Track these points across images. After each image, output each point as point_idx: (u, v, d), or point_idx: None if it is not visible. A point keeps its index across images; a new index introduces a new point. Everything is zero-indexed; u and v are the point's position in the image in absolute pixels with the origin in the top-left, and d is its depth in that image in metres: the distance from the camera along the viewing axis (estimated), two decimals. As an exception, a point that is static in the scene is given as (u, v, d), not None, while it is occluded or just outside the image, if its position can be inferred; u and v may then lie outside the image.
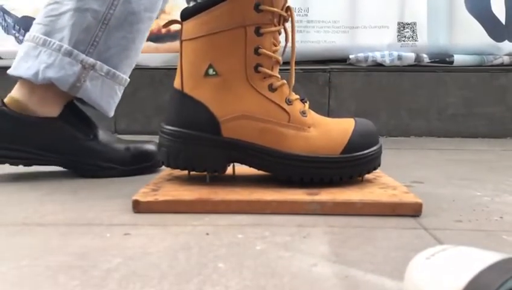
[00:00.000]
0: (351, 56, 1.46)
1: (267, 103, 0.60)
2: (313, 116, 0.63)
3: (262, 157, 0.60)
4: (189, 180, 0.63)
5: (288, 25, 0.62)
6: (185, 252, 0.43)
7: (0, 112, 0.72)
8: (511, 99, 1.44)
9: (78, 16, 0.72)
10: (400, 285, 0.36)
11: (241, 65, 0.60)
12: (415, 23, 1.47)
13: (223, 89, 0.60)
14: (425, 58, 1.45)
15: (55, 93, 0.73)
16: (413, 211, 0.55)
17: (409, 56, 1.44)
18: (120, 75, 0.77)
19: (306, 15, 1.49)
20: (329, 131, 0.61)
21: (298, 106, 0.62)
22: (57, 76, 0.72)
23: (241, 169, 0.65)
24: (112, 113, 0.79)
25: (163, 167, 0.64)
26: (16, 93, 0.74)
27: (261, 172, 0.62)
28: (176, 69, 0.62)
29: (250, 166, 0.62)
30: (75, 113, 0.77)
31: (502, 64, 1.46)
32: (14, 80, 0.75)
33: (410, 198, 0.56)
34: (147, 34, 0.80)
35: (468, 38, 1.46)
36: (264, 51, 0.60)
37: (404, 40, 1.47)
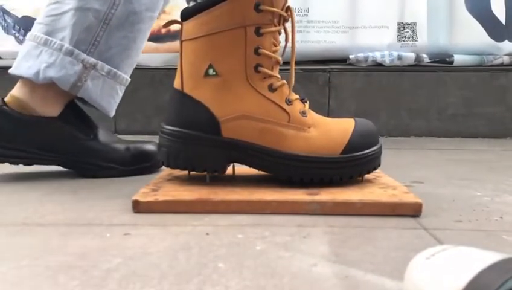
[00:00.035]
0: (351, 56, 1.46)
1: (267, 103, 0.60)
2: (313, 116, 0.63)
3: (262, 157, 0.60)
4: (189, 180, 0.63)
5: (288, 25, 0.62)
6: (185, 252, 0.43)
7: (1, 111, 0.72)
8: (511, 99, 1.44)
9: (79, 16, 0.72)
10: (400, 285, 0.36)
11: (241, 65, 0.60)
12: (415, 23, 1.47)
13: (223, 89, 0.60)
14: (425, 58, 1.45)
15: (56, 93, 0.73)
16: (413, 211, 0.55)
17: (409, 56, 1.44)
18: (121, 75, 0.77)
19: (306, 15, 1.49)
20: (329, 131, 0.61)
21: (298, 106, 0.62)
22: (58, 75, 0.72)
23: (241, 169, 0.65)
24: (112, 113, 0.79)
25: (163, 167, 0.64)
26: (17, 92, 0.74)
27: (261, 172, 0.62)
28: (175, 69, 0.62)
29: (250, 166, 0.62)
30: (76, 112, 0.77)
31: (502, 64, 1.46)
32: (15, 79, 0.75)
33: (410, 198, 0.56)
34: (148, 34, 0.80)
35: (468, 38, 1.46)
36: (264, 51, 0.60)
37: (404, 40, 1.47)
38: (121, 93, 0.79)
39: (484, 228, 0.51)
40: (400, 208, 0.55)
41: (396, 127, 1.45)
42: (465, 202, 0.62)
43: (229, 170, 0.65)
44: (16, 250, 0.44)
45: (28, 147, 0.72)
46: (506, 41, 1.46)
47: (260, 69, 0.60)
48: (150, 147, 0.80)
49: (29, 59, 0.73)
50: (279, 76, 0.62)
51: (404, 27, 1.47)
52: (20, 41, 1.49)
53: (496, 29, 1.45)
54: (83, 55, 0.73)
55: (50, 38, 0.73)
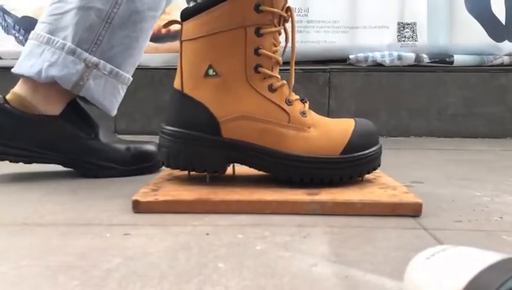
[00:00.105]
0: (351, 56, 1.46)
1: (267, 103, 0.60)
2: (312, 116, 0.63)
3: (262, 157, 0.60)
4: (189, 180, 0.63)
5: (288, 25, 0.62)
6: (185, 252, 0.43)
7: (3, 109, 0.72)
8: (511, 99, 1.44)
9: (81, 15, 0.72)
10: (400, 285, 0.36)
11: (241, 66, 0.60)
12: (415, 23, 1.47)
13: (223, 89, 0.60)
14: (425, 58, 1.45)
15: (58, 92, 0.73)
16: (413, 211, 0.55)
17: (409, 56, 1.44)
18: (123, 74, 0.77)
19: (306, 15, 1.49)
20: (329, 131, 0.61)
21: (298, 106, 0.62)
22: (60, 74, 0.72)
23: (241, 169, 0.65)
24: (114, 112, 0.79)
25: (163, 167, 0.64)
26: (19, 89, 0.74)
27: (261, 172, 0.62)
28: (175, 69, 0.62)
29: (250, 166, 0.62)
30: (77, 111, 0.77)
31: (502, 64, 1.46)
32: (15, 79, 0.75)
33: (410, 198, 0.56)
34: (150, 33, 0.80)
35: (468, 39, 1.46)
36: (264, 51, 0.60)
37: (404, 40, 1.47)
38: (122, 93, 0.79)
39: (484, 228, 0.51)
40: (400, 208, 0.55)
41: (396, 127, 1.45)
42: (465, 202, 0.62)
43: (229, 170, 0.65)
44: (16, 250, 0.44)
45: (29, 146, 0.72)
46: (506, 41, 1.46)
47: (260, 69, 0.60)
48: (150, 147, 0.80)
49: (31, 58, 0.73)
50: (279, 76, 0.62)
51: (404, 27, 1.47)
52: (20, 41, 1.49)
53: (496, 29, 1.45)
54: (85, 54, 0.73)
55: (52, 37, 0.73)
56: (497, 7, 1.45)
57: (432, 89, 1.44)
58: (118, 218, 0.53)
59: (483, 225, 0.52)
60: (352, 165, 0.60)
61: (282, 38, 0.63)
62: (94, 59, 0.73)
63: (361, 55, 1.45)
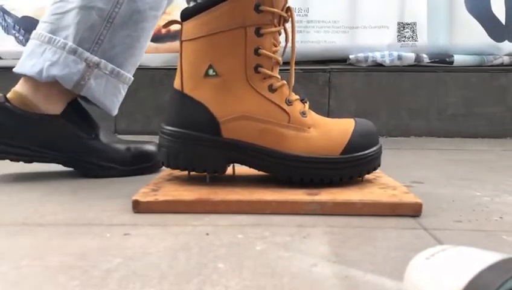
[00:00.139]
0: (351, 56, 1.46)
1: (267, 103, 0.60)
2: (312, 116, 0.63)
3: (262, 158, 0.60)
4: (189, 181, 0.63)
5: (288, 25, 0.62)
6: (185, 252, 0.43)
7: (4, 108, 0.72)
8: (511, 99, 1.44)
9: (83, 14, 0.72)
10: (399, 285, 0.36)
11: (241, 66, 0.60)
12: (415, 23, 1.47)
13: (223, 89, 0.60)
14: (425, 58, 1.45)
15: (59, 91, 0.73)
16: (413, 211, 0.55)
17: (409, 56, 1.45)
18: (124, 74, 0.77)
19: (306, 15, 1.49)
20: (329, 131, 0.61)
21: (298, 106, 0.62)
22: (61, 74, 0.72)
23: (241, 169, 0.65)
24: (115, 112, 0.79)
25: (163, 167, 0.64)
26: (20, 88, 0.74)
27: (261, 172, 0.62)
28: (175, 69, 0.62)
29: (250, 167, 0.62)
30: (78, 111, 0.77)
31: (502, 64, 1.46)
32: (16, 79, 0.75)
33: (410, 198, 0.56)
34: (151, 33, 0.80)
35: (468, 39, 1.46)
36: (264, 51, 0.60)
37: (404, 40, 1.47)
38: (124, 92, 0.79)
39: (484, 228, 0.51)
40: (400, 208, 0.55)
41: (396, 127, 1.45)
42: (465, 202, 0.62)
43: (229, 170, 0.65)
44: (16, 250, 0.44)
45: (30, 145, 0.72)
46: (506, 42, 1.46)
47: (260, 69, 0.60)
48: (150, 148, 0.80)
49: (32, 57, 0.73)
50: (279, 76, 0.62)
51: (404, 27, 1.47)
52: (20, 41, 1.49)
53: (496, 29, 1.45)
54: (87, 54, 0.73)
55: (54, 37, 0.73)
56: (497, 7, 1.45)
57: (432, 89, 1.44)
58: (118, 218, 0.53)
59: (483, 225, 0.52)
60: (352, 165, 0.60)
61: (282, 38, 0.63)
62: (95, 59, 0.73)
63: (361, 55, 1.45)
